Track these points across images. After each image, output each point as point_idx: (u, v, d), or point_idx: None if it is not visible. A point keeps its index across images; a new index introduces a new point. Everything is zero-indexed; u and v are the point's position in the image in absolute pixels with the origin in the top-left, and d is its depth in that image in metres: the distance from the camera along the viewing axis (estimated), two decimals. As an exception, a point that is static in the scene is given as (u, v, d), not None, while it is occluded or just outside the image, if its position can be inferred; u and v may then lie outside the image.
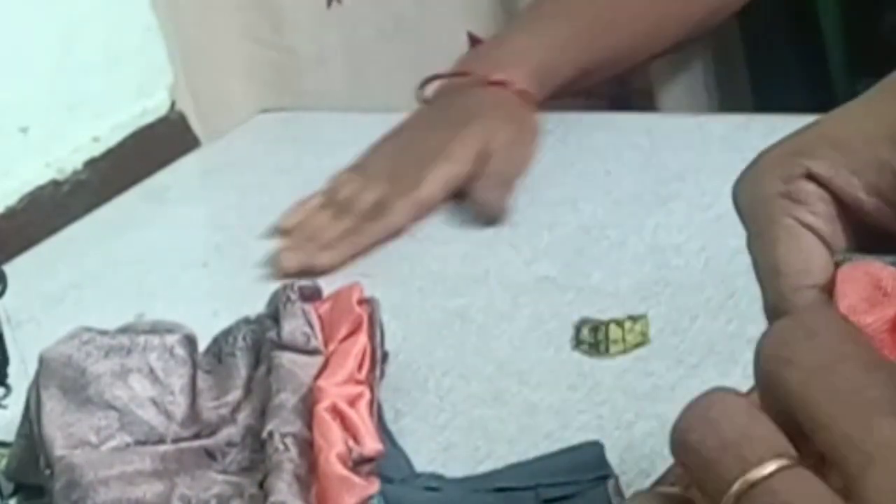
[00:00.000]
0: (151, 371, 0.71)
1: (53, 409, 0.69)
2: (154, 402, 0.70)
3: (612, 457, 0.67)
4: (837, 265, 0.43)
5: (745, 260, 0.83)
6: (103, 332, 0.72)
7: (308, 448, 0.67)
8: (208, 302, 0.91)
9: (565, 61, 1.07)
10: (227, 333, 0.75)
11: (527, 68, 1.04)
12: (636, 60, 1.15)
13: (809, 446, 0.36)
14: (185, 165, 1.16)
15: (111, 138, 1.12)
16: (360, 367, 0.72)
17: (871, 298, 0.41)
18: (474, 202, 0.95)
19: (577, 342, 0.79)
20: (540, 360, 0.78)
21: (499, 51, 1.08)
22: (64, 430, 0.68)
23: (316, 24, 1.26)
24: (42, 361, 0.71)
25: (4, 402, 0.72)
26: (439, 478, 0.69)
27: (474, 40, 1.32)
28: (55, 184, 1.08)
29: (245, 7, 1.24)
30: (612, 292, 0.83)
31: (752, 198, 0.45)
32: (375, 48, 1.17)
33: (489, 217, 0.94)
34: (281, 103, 1.24)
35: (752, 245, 0.46)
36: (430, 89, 1.07)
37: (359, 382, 0.71)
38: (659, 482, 0.67)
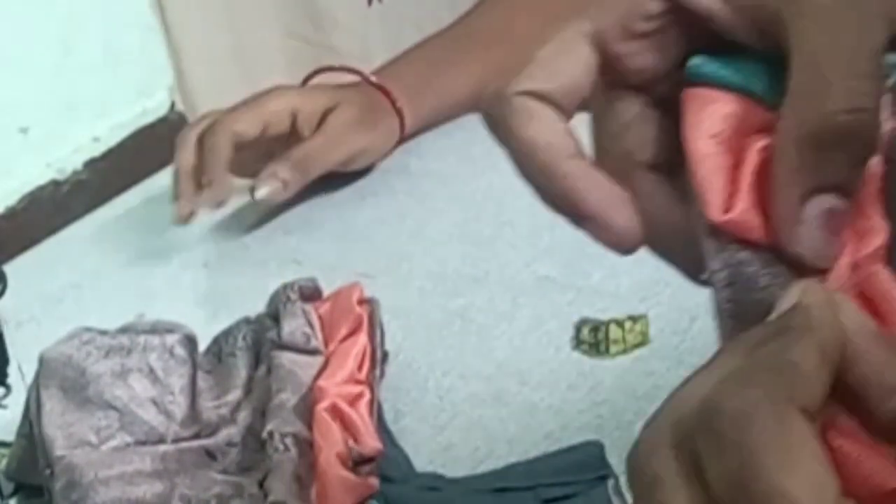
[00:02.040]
0: (151, 371, 0.71)
1: (53, 409, 0.69)
2: (154, 402, 0.71)
3: (612, 457, 0.67)
4: (688, 81, 0.41)
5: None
6: (103, 332, 0.72)
7: (308, 448, 0.67)
8: (208, 302, 0.91)
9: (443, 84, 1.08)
10: (227, 333, 0.75)
11: (404, 83, 1.06)
12: None
13: None
14: (185, 165, 1.15)
15: (111, 138, 1.12)
16: (360, 366, 0.72)
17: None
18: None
19: (577, 342, 0.79)
20: (540, 360, 0.78)
21: (395, 62, 1.10)
22: (64, 430, 0.68)
23: (358, 22, 1.26)
24: (42, 361, 0.71)
25: (4, 402, 0.72)
26: (439, 478, 0.69)
27: None
28: (55, 184, 1.08)
29: (287, 6, 1.24)
30: (612, 292, 0.83)
31: None
32: None
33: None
34: None
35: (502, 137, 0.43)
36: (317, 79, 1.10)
37: (359, 382, 0.71)
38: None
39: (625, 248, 0.44)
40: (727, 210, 0.39)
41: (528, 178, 0.42)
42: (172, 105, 1.17)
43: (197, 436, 0.70)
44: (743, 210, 0.39)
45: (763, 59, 0.40)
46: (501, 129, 0.42)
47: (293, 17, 1.25)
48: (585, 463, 0.67)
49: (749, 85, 0.40)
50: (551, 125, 0.42)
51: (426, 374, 0.78)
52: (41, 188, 1.07)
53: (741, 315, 0.39)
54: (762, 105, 0.40)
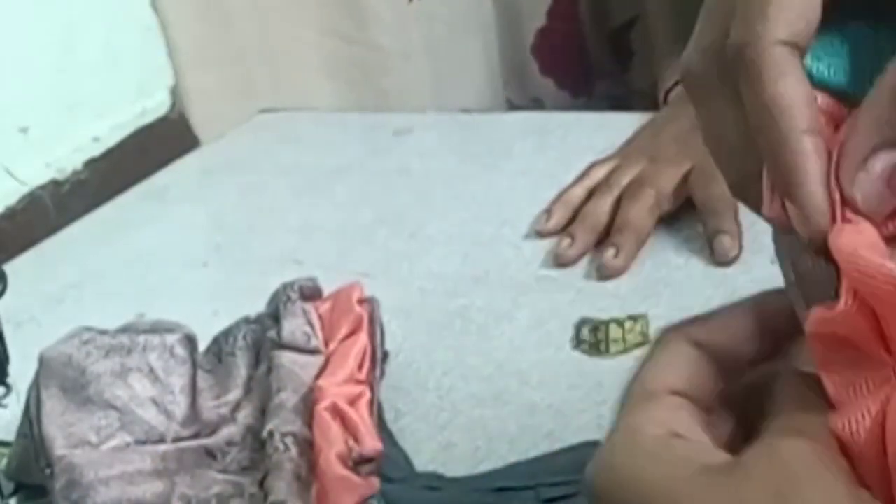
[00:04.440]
0: (151, 371, 0.71)
1: (53, 409, 0.69)
2: (154, 402, 0.71)
3: (612, 456, 0.67)
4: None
5: (746, 259, 0.83)
6: (103, 332, 0.73)
7: (308, 448, 0.67)
8: (208, 302, 0.91)
9: None
10: (227, 333, 0.75)
11: None
12: None
13: None
14: (185, 165, 1.16)
15: (111, 138, 1.12)
16: (360, 366, 0.72)
17: None
18: None
19: (577, 342, 0.79)
20: (540, 360, 0.78)
21: None
22: (64, 429, 0.68)
23: (400, 20, 1.25)
24: (42, 361, 0.71)
25: (4, 402, 0.72)
26: (439, 478, 0.69)
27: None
28: (55, 184, 1.08)
29: (325, 3, 1.23)
30: (612, 292, 0.83)
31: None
32: (455, 45, 1.16)
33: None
34: (363, 101, 1.24)
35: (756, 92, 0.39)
36: (674, 93, 1.03)
37: (359, 382, 0.71)
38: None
39: (811, 238, 0.39)
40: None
41: (759, 134, 0.39)
42: (172, 105, 1.17)
43: (197, 435, 0.70)
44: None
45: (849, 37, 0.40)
46: (745, 79, 0.39)
47: (331, 15, 1.24)
48: (585, 463, 0.67)
49: (834, 81, 0.40)
50: (800, 86, 0.39)
51: (426, 374, 0.78)
52: (41, 188, 1.07)
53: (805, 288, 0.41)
54: (846, 101, 0.39)
